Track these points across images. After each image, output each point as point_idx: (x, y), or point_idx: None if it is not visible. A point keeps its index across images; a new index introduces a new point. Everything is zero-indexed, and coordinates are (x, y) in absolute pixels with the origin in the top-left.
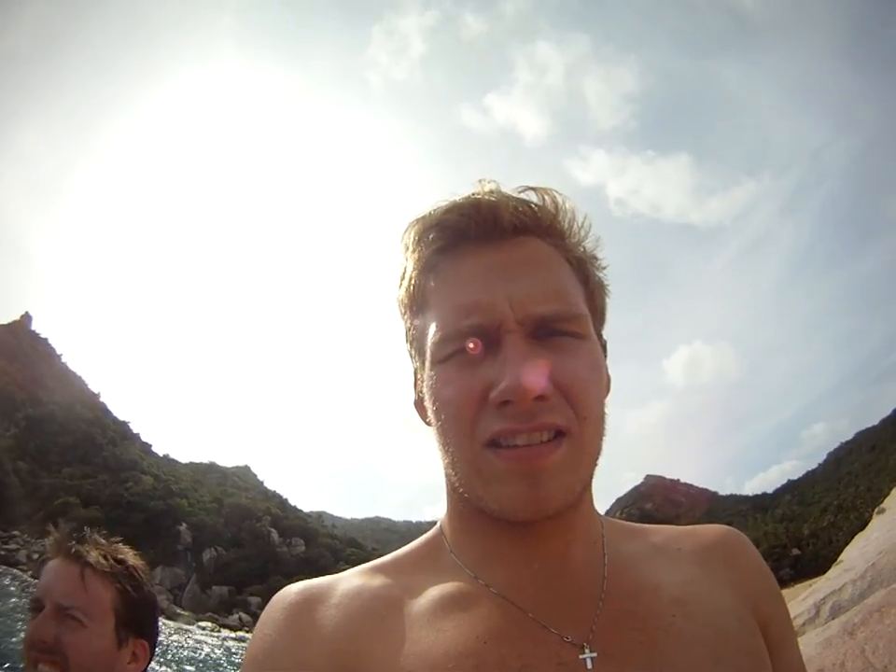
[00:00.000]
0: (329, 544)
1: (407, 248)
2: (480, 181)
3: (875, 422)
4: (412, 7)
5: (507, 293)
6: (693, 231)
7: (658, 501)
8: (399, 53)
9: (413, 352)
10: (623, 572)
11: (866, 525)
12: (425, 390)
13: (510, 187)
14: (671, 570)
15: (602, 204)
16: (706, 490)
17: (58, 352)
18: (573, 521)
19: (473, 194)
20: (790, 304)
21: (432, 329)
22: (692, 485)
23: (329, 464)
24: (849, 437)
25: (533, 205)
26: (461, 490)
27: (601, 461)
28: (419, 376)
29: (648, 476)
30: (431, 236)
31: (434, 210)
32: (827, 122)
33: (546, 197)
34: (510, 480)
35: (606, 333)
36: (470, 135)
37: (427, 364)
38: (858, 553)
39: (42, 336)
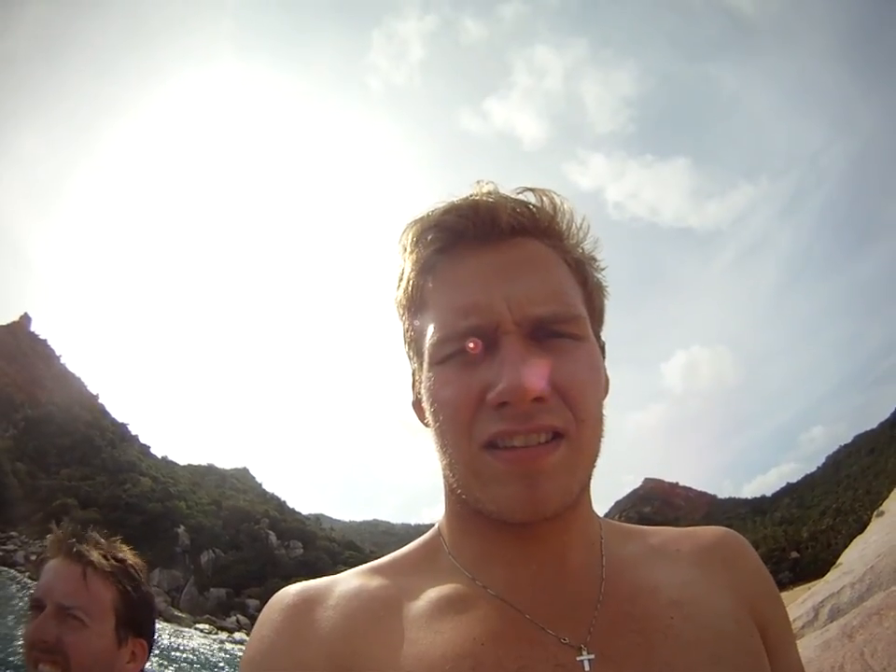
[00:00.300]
0: (327, 547)
1: (405, 249)
2: (478, 182)
3: (874, 425)
4: (411, 12)
5: (505, 294)
6: (691, 234)
7: (657, 504)
8: (399, 58)
9: (411, 353)
10: (620, 574)
11: (865, 528)
12: (423, 391)
13: (508, 188)
14: (669, 572)
15: (601, 209)
16: (704, 493)
17: (57, 353)
18: (571, 522)
19: (471, 195)
20: (788, 308)
21: (430, 330)
22: (690, 488)
23: (327, 466)
24: (848, 440)
25: (531, 206)
26: (459, 491)
27: (599, 463)
28: (417, 377)
29: (646, 479)
30: (429, 237)
31: (432, 211)
32: (825, 125)
33: (544, 198)
34: (507, 481)
35: (604, 336)
36: (469, 140)
37: (426, 365)
38: (857, 556)
39: (41, 337)
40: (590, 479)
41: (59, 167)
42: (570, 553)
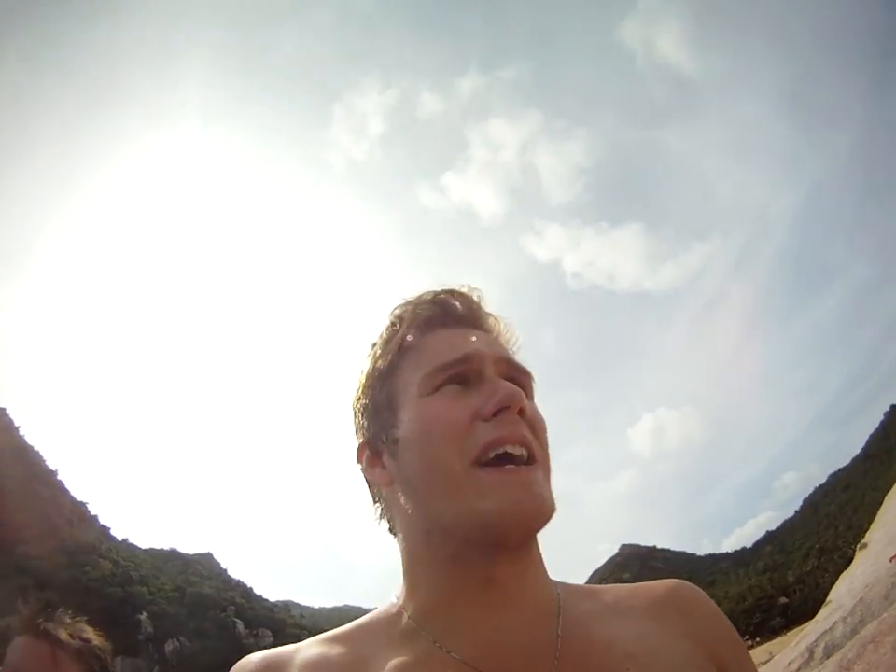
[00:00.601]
0: (297, 635)
1: (402, 313)
2: (462, 285)
3: (847, 462)
4: (371, 86)
5: (486, 347)
6: (648, 298)
7: (636, 570)
8: (359, 133)
9: (386, 404)
10: (576, 631)
11: (850, 562)
12: (404, 429)
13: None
14: (624, 626)
15: (559, 279)
16: (683, 553)
17: (16, 423)
18: (528, 566)
19: (462, 293)
20: (749, 360)
21: (422, 368)
22: (668, 550)
23: (294, 551)
24: (822, 480)
25: (495, 317)
26: (442, 518)
27: (573, 535)
28: (392, 423)
29: (623, 546)
30: (426, 306)
31: (431, 293)
32: (771, 178)
33: (500, 320)
34: (507, 488)
35: (566, 409)
36: (428, 215)
37: (413, 400)
38: (845, 591)
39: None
40: (553, 513)
41: (23, 233)
42: (527, 607)
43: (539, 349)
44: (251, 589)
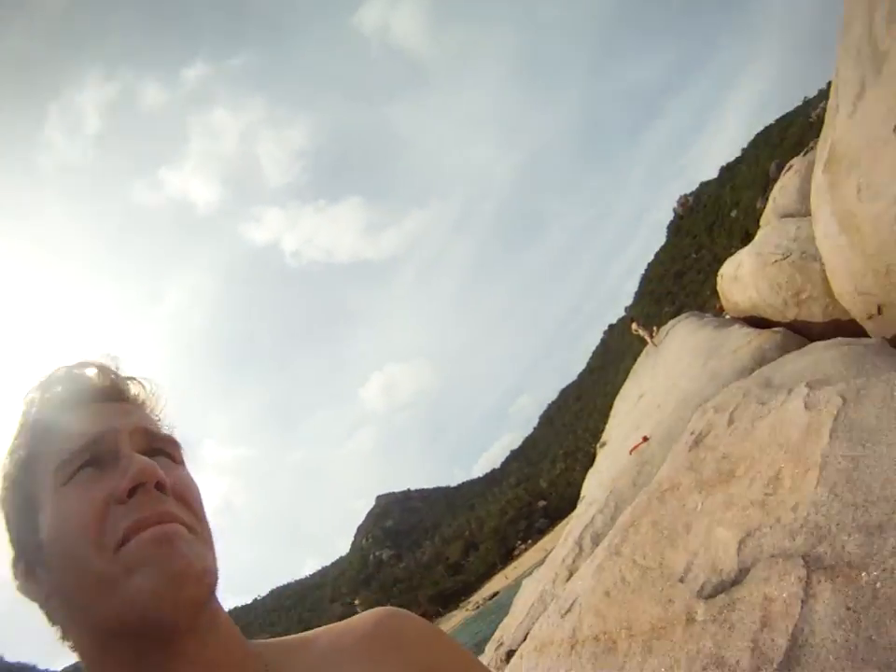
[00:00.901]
0: None
1: (33, 397)
2: (104, 354)
3: (574, 377)
4: (92, 80)
5: (120, 420)
6: (369, 266)
7: (396, 516)
8: (74, 132)
9: (27, 504)
10: None
11: (594, 460)
12: (44, 531)
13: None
14: None
15: (278, 259)
16: (438, 488)
17: None
18: (220, 648)
19: (97, 364)
20: (474, 307)
21: (55, 458)
22: (423, 489)
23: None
24: (554, 397)
25: (138, 381)
26: (105, 621)
27: (331, 499)
28: (34, 527)
29: (378, 497)
30: (58, 385)
31: (59, 369)
32: (494, 142)
33: (143, 384)
34: (149, 554)
35: (294, 387)
36: (142, 212)
37: (50, 494)
38: (595, 485)
39: None
40: (218, 579)
41: None
42: None
43: (258, 333)
44: (35, 666)
